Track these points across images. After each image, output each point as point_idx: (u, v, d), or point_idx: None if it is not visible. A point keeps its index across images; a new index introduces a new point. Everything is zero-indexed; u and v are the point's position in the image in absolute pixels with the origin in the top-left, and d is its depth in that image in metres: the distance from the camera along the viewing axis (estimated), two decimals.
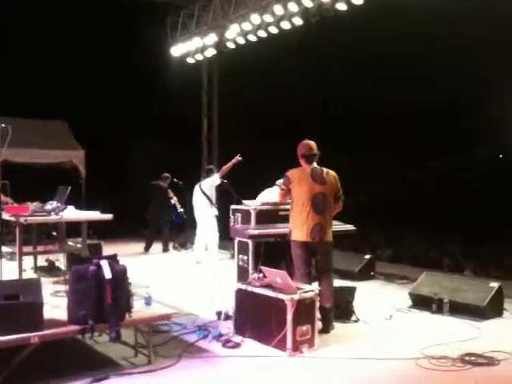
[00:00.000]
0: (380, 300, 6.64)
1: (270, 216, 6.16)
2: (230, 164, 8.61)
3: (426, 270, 7.12)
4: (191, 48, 11.41)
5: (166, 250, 10.83)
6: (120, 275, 4.19)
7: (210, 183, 9.00)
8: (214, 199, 9.05)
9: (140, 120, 15.13)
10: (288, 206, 5.65)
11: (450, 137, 22.77)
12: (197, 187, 9.18)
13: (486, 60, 17.78)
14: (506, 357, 4.53)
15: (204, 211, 9.08)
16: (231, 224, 6.51)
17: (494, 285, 5.98)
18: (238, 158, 8.53)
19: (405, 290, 6.76)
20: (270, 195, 6.75)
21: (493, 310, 5.82)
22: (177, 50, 11.75)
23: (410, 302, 6.38)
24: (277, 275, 4.90)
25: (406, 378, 4.21)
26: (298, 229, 5.30)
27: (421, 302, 6.23)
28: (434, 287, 6.27)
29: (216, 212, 9.08)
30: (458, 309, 5.86)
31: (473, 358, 4.48)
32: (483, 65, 18.44)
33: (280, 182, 5.84)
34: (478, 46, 17.20)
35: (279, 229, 5.76)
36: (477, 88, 20.26)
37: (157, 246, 10.83)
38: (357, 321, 5.67)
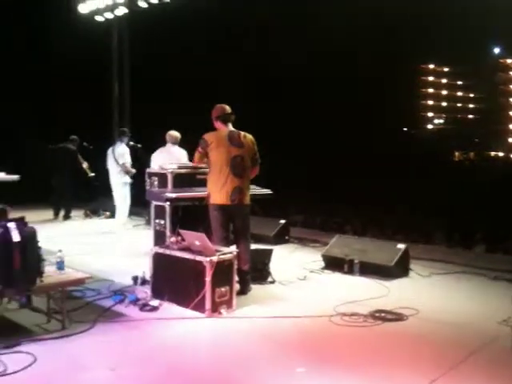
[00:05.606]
0: (295, 262, 6.80)
1: (187, 180, 6.08)
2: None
3: (334, 234, 7.34)
4: (100, 5, 10.88)
5: (67, 217, 10.23)
6: (29, 238, 3.95)
7: (122, 152, 8.71)
8: (128, 165, 8.75)
9: (49, 81, 14.23)
10: (205, 170, 5.59)
11: None
12: (109, 152, 8.84)
13: None
14: (413, 312, 4.79)
15: (114, 179, 8.83)
16: (147, 188, 6.36)
17: (401, 246, 6.28)
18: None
19: (317, 253, 6.96)
20: (158, 156, 7.33)
21: (400, 269, 6.12)
22: (85, 7, 11.14)
23: (322, 264, 6.59)
24: (195, 238, 4.85)
25: (320, 334, 4.35)
26: (216, 192, 5.26)
27: (333, 264, 6.44)
28: (344, 249, 6.50)
29: (128, 179, 8.82)
30: (368, 269, 6.12)
31: (383, 314, 4.70)
32: None
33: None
34: None
35: (197, 192, 5.70)
36: None
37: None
38: (273, 282, 5.77)
